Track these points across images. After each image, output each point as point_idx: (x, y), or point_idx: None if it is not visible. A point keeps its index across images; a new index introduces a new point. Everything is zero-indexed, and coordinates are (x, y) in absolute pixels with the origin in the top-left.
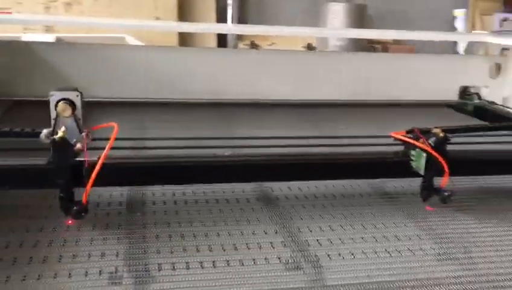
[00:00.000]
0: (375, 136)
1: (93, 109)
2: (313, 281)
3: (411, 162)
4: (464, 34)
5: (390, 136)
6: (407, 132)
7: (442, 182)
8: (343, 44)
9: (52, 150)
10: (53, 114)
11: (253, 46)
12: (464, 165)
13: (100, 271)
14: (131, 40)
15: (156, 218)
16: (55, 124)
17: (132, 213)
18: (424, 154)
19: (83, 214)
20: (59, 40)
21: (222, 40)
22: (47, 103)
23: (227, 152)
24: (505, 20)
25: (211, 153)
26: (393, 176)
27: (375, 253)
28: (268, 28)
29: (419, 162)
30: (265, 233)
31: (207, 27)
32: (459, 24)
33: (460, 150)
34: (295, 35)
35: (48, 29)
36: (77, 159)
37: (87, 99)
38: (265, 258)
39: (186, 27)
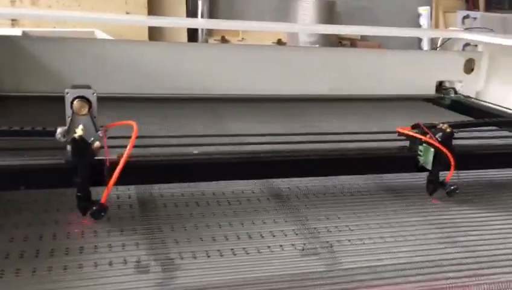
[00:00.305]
0: (374, 132)
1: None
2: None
3: (418, 157)
4: (441, 31)
5: (392, 132)
6: (412, 127)
7: (448, 176)
8: (314, 40)
9: (71, 149)
10: (68, 112)
11: (224, 41)
12: (469, 159)
13: (125, 261)
14: (101, 35)
15: (167, 211)
16: (70, 123)
17: (144, 208)
18: (432, 150)
19: (102, 213)
20: (25, 35)
21: (192, 37)
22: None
23: (195, 151)
24: (466, 17)
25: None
26: (399, 171)
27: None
28: (240, 22)
29: (427, 157)
30: (275, 222)
31: (178, 22)
32: (424, 21)
33: (465, 145)
34: (266, 31)
35: (14, 23)
36: (96, 158)
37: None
38: (280, 245)
39: (158, 21)
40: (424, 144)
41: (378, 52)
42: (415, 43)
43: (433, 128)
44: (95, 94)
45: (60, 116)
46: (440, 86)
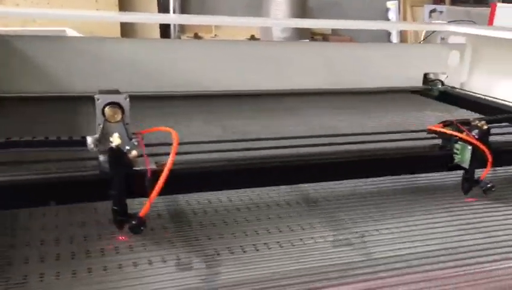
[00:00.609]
0: (395, 131)
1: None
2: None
3: (454, 155)
4: (427, 24)
5: (421, 131)
6: (444, 125)
7: (484, 173)
8: (287, 35)
9: (108, 159)
10: (99, 119)
11: (197, 38)
12: (505, 155)
13: (163, 260)
14: (72, 33)
15: (199, 218)
16: (102, 131)
17: (175, 217)
18: (470, 147)
19: (142, 228)
20: None
21: (165, 33)
22: None
23: None
24: (433, 11)
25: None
26: (431, 170)
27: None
28: (214, 18)
29: (463, 155)
30: (313, 227)
31: (151, 17)
32: (392, 15)
33: (500, 141)
34: (239, 26)
35: None
36: (135, 168)
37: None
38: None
39: (130, 17)
40: (459, 142)
41: (364, 46)
42: (384, 36)
43: (466, 125)
44: (127, 99)
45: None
46: (425, 77)
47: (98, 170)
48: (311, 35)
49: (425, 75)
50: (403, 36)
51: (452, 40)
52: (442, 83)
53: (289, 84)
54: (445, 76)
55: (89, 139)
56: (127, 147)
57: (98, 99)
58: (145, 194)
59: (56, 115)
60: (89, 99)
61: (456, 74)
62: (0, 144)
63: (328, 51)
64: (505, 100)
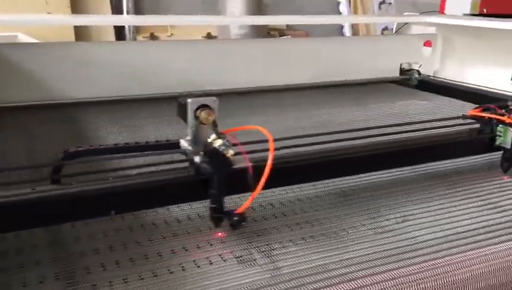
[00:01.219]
0: (434, 120)
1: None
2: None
3: (497, 138)
4: (400, 16)
5: (460, 117)
6: (483, 109)
7: None
8: (245, 32)
9: (209, 160)
10: (191, 122)
11: (153, 38)
12: None
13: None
14: (24, 38)
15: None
16: (196, 133)
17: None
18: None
19: (243, 223)
20: None
21: (120, 35)
22: None
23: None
24: (382, 2)
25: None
26: (474, 153)
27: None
28: (170, 17)
29: (506, 137)
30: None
31: (107, 19)
32: (343, 8)
33: None
34: (195, 25)
35: None
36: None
37: None
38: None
39: (84, 20)
40: (501, 125)
41: (342, 40)
42: (337, 30)
43: (505, 108)
44: (216, 102)
45: None
46: (401, 67)
47: (194, 171)
48: (268, 31)
49: (401, 65)
50: (354, 29)
51: (422, 30)
52: (419, 73)
53: (279, 80)
54: (419, 65)
55: (184, 143)
56: (223, 147)
57: (189, 102)
58: (247, 190)
59: None
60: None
61: (429, 63)
62: (95, 150)
63: (307, 46)
64: (477, 85)
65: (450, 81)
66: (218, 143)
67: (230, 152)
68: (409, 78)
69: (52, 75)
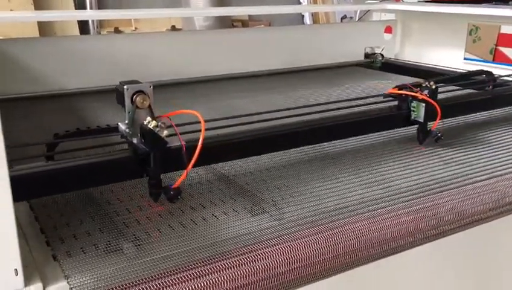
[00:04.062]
0: (361, 97)
1: None
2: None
3: (412, 112)
4: (362, 4)
5: (379, 95)
6: (399, 88)
7: (434, 125)
8: (209, 24)
9: (144, 139)
10: (129, 107)
11: (117, 32)
12: (449, 109)
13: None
14: None
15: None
16: (133, 116)
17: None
18: (423, 104)
19: (179, 197)
20: None
21: (84, 29)
22: None
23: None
24: None
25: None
26: (395, 127)
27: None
28: (134, 11)
29: (419, 112)
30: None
31: (71, 14)
32: None
33: (444, 98)
34: (160, 18)
35: None
36: (169, 145)
37: None
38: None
39: (48, 16)
40: (414, 101)
41: (310, 28)
42: (297, 20)
43: (418, 86)
44: (151, 87)
45: None
46: (365, 52)
47: (132, 151)
48: (232, 22)
49: (365, 49)
50: (314, 18)
51: (383, 17)
52: (382, 56)
53: (248, 67)
54: (381, 49)
55: (122, 126)
56: (157, 129)
57: (127, 89)
58: (181, 167)
59: None
60: None
61: (390, 47)
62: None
63: (280, 35)
64: (434, 65)
65: (411, 62)
66: (152, 124)
67: (164, 132)
68: (373, 61)
69: None
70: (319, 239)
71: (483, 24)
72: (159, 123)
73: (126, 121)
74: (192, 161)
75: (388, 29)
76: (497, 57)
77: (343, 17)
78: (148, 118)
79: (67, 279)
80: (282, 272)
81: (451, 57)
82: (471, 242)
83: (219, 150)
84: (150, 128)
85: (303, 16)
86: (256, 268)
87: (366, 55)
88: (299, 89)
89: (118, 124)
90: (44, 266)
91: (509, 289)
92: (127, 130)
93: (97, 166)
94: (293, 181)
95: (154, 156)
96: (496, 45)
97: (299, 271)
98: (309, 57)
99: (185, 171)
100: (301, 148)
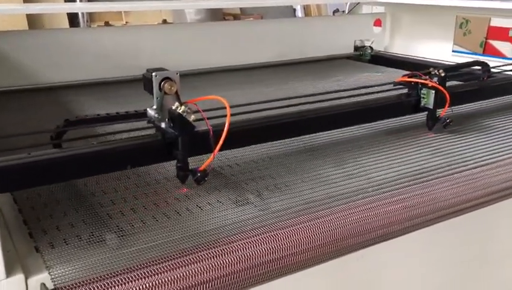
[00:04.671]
0: (370, 86)
1: None
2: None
3: (422, 99)
4: None
5: (390, 83)
6: (409, 77)
7: (442, 112)
8: (201, 17)
9: (172, 124)
10: (157, 93)
11: (108, 26)
12: (458, 96)
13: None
14: None
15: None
16: (161, 102)
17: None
18: (433, 91)
19: (205, 179)
20: None
21: (74, 23)
22: None
23: None
24: None
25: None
26: (404, 114)
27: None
28: (125, 4)
29: (429, 99)
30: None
31: (61, 7)
32: None
33: (453, 85)
34: (150, 11)
35: None
36: (196, 129)
37: None
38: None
39: (37, 8)
40: (424, 88)
41: (301, 21)
42: (289, 13)
43: (427, 74)
44: (178, 74)
45: None
46: (354, 44)
47: (161, 135)
48: (223, 16)
49: (354, 42)
50: (306, 11)
51: (373, 10)
52: (372, 48)
53: (244, 59)
54: (371, 42)
55: (149, 111)
56: (185, 113)
57: (155, 76)
58: (208, 150)
59: None
60: None
61: (380, 39)
62: (76, 121)
63: (271, 27)
64: (423, 57)
65: (400, 55)
66: (181, 109)
67: (192, 117)
68: (362, 54)
69: None
70: (303, 229)
71: (473, 17)
72: (187, 108)
73: (154, 107)
74: (219, 144)
75: (378, 22)
76: (487, 50)
77: (335, 11)
78: (177, 104)
79: (49, 270)
80: (265, 261)
81: (440, 50)
82: (464, 228)
83: (242, 134)
84: (179, 113)
85: (295, 10)
86: (240, 257)
87: (356, 48)
88: (291, 82)
89: (146, 110)
90: (27, 258)
91: (498, 277)
92: (156, 115)
93: (126, 150)
94: (281, 172)
95: (183, 139)
96: (486, 38)
97: (283, 260)
98: (299, 50)
99: (212, 154)
100: (301, 140)
